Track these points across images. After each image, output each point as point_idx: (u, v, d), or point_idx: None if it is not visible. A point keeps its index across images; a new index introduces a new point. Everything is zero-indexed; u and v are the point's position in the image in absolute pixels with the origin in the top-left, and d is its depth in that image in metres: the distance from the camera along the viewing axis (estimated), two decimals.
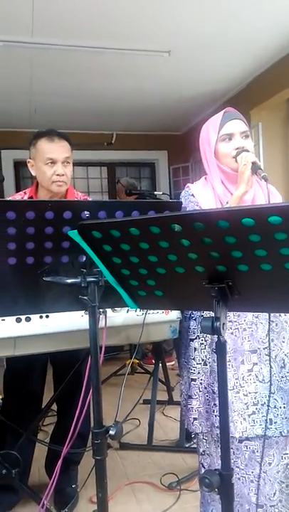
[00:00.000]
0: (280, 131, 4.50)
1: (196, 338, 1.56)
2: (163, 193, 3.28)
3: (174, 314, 1.73)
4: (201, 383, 1.54)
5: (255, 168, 1.46)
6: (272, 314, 1.48)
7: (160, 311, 1.72)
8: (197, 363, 1.55)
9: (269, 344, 1.46)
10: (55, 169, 1.90)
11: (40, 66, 3.63)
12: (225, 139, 1.55)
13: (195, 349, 1.56)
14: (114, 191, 5.83)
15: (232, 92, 4.46)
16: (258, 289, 0.96)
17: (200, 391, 1.55)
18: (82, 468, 2.16)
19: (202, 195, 1.59)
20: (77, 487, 2.13)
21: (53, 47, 3.27)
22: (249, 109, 4.28)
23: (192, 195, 1.61)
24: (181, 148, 5.59)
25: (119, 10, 2.85)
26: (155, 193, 3.24)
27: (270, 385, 1.45)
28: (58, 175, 1.90)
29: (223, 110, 1.61)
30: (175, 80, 4.07)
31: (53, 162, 1.90)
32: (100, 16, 2.92)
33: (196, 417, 1.55)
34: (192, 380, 1.56)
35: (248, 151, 1.52)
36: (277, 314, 1.49)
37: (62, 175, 1.91)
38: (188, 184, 1.68)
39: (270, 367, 1.45)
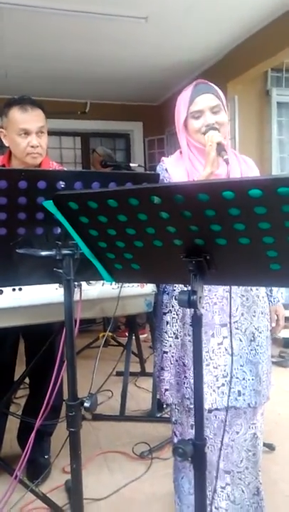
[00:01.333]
0: (256, 105, 4.48)
1: (168, 312, 1.57)
2: (138, 165, 3.24)
3: (149, 288, 1.74)
4: (172, 356, 1.56)
5: (219, 149, 1.43)
6: (243, 288, 1.50)
7: (135, 285, 1.71)
8: (169, 336, 1.57)
9: (239, 318, 1.48)
10: (29, 140, 1.82)
11: (12, 27, 3.46)
12: (194, 116, 1.52)
13: (167, 323, 1.57)
14: (88, 162, 5.72)
15: (209, 63, 4.38)
16: (235, 263, 0.96)
17: (171, 363, 1.57)
18: (56, 439, 2.17)
19: (175, 170, 1.57)
20: (50, 458, 2.15)
21: (25, 8, 3.11)
22: (226, 82, 4.23)
23: (166, 169, 1.58)
24: (157, 119, 5.50)
25: None
26: (131, 164, 3.20)
27: (239, 357, 1.48)
28: (32, 146, 1.82)
29: (195, 82, 1.56)
30: (152, 47, 3.96)
31: (27, 133, 1.81)
32: None
33: (168, 388, 1.58)
34: (164, 352, 1.58)
35: (216, 128, 1.48)
36: (249, 288, 1.51)
37: (37, 146, 1.83)
38: (163, 158, 1.66)
39: (240, 340, 1.48)
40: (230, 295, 1.46)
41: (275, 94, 4.45)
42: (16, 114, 1.82)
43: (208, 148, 1.45)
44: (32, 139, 1.82)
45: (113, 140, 5.97)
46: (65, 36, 3.65)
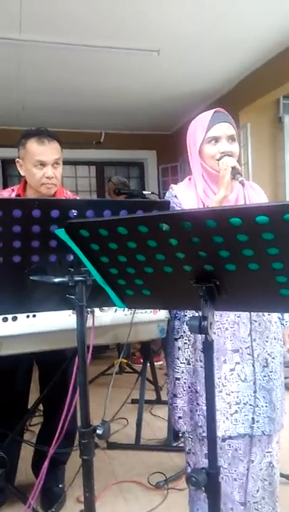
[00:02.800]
0: (269, 133, 4.53)
1: (179, 338, 1.57)
2: (152, 193, 3.28)
3: (162, 314, 1.74)
4: (184, 382, 1.55)
5: (234, 173, 1.47)
6: (254, 314, 1.49)
7: (148, 311, 1.72)
8: (181, 362, 1.56)
9: (251, 343, 1.47)
10: (45, 171, 1.86)
11: (28, 63, 3.60)
12: (211, 141, 1.55)
13: (179, 348, 1.57)
14: (103, 191, 5.82)
15: (221, 92, 4.47)
16: (246, 288, 0.97)
17: (184, 390, 1.56)
18: (70, 467, 2.15)
19: (185, 196, 1.59)
20: (64, 487, 2.12)
21: (41, 44, 3.25)
22: (238, 110, 4.30)
23: (175, 196, 1.61)
24: (170, 147, 5.60)
25: (109, 8, 2.85)
26: (144, 192, 3.24)
27: (254, 384, 1.46)
28: (47, 177, 1.86)
29: (214, 110, 1.60)
30: (164, 79, 4.07)
31: (43, 164, 1.86)
32: (88, 14, 2.91)
33: (181, 415, 1.56)
34: (176, 379, 1.57)
35: (230, 155, 1.52)
36: (261, 314, 1.50)
37: (52, 177, 1.87)
38: (172, 185, 1.69)
39: (253, 366, 1.46)
40: (236, 319, 1.46)
41: (288, 121, 4.50)
42: (33, 145, 1.87)
43: (222, 172, 1.49)
44: (47, 170, 1.86)
45: (127, 168, 6.07)
46: (80, 70, 3.78)
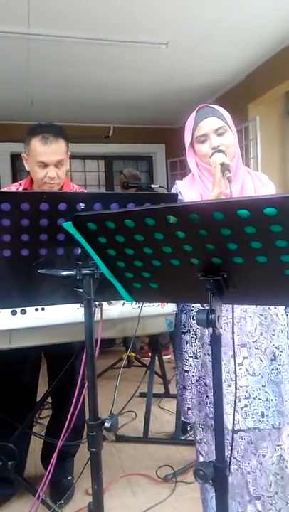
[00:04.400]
0: (278, 126, 4.49)
1: (187, 332, 1.58)
2: (160, 186, 3.27)
3: (170, 307, 1.73)
4: (193, 375, 1.56)
5: (222, 169, 1.44)
6: (261, 308, 1.49)
7: (156, 304, 1.71)
8: (189, 356, 1.57)
9: (258, 338, 1.47)
10: (47, 171, 1.83)
11: (37, 57, 3.60)
12: (200, 140, 1.54)
13: (186, 342, 1.58)
14: (112, 185, 5.82)
15: (230, 85, 4.44)
16: (254, 281, 0.96)
17: (192, 383, 1.56)
18: (78, 460, 2.16)
19: (188, 193, 1.59)
20: (72, 479, 2.14)
21: (49, 38, 3.25)
22: (247, 103, 4.27)
23: (179, 192, 1.61)
24: (179, 141, 5.52)
25: (116, 0, 2.83)
26: (152, 186, 3.23)
27: (262, 378, 1.46)
28: (49, 177, 1.84)
29: (197, 108, 1.58)
30: (173, 72, 4.05)
31: (45, 165, 1.83)
32: (97, 7, 2.90)
33: (190, 407, 1.57)
34: (185, 371, 1.58)
35: (220, 150, 1.49)
36: (267, 308, 1.49)
37: (54, 177, 1.84)
38: (177, 181, 1.69)
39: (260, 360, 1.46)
40: (242, 313, 1.45)
41: None
42: (36, 145, 1.82)
43: (212, 170, 1.48)
44: (50, 171, 1.83)
45: (136, 162, 6.06)
46: (89, 64, 3.77)
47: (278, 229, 0.81)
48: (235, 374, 1.42)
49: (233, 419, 1.28)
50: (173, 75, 4.12)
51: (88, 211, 1.17)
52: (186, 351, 1.57)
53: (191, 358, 1.56)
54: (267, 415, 1.45)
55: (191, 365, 1.56)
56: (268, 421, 1.45)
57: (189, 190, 1.60)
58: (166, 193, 2.65)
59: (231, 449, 1.17)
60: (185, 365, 1.58)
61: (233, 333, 1.38)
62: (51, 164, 1.83)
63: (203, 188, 1.57)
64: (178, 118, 5.49)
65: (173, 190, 1.65)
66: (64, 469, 2.12)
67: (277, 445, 1.51)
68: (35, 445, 2.23)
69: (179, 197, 1.59)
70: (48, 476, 1.58)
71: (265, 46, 3.63)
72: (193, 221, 0.87)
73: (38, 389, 2.17)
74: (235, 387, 1.37)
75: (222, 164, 1.45)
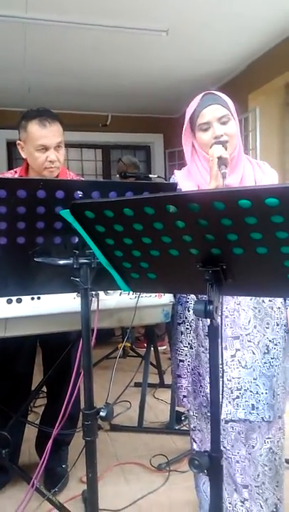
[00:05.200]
0: (278, 117, 4.47)
1: (182, 323, 1.58)
2: (158, 176, 3.25)
3: (167, 298, 1.73)
4: (188, 365, 1.57)
5: (219, 163, 1.40)
6: (255, 301, 1.48)
7: (153, 295, 1.71)
8: (184, 346, 1.57)
9: (252, 330, 1.46)
10: (48, 155, 1.81)
11: (35, 43, 3.55)
12: (202, 128, 1.49)
13: (182, 333, 1.58)
14: (109, 174, 5.78)
15: (230, 75, 4.40)
16: (253, 273, 0.95)
17: (188, 372, 1.57)
18: (73, 448, 2.17)
19: (185, 184, 1.56)
20: (67, 467, 2.15)
21: (47, 23, 3.20)
22: (247, 94, 4.24)
23: (176, 182, 1.58)
24: (178, 131, 5.49)
25: None
26: (150, 175, 3.21)
27: (254, 370, 1.46)
28: (50, 161, 1.82)
29: (203, 93, 1.53)
30: (173, 60, 4.00)
31: (45, 148, 1.81)
32: None
33: (186, 394, 1.58)
34: (180, 360, 1.59)
35: (222, 141, 1.45)
36: (261, 300, 1.48)
37: (55, 161, 1.83)
38: (175, 171, 1.66)
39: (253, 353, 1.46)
40: (236, 306, 1.44)
41: None
42: (34, 129, 1.81)
43: (210, 163, 1.44)
44: (50, 154, 1.81)
45: (134, 152, 6.02)
46: (87, 50, 3.72)
47: (279, 220, 0.80)
48: (223, 369, 1.41)
49: (220, 409, 1.27)
50: (173, 64, 4.08)
51: (86, 199, 1.15)
52: (181, 341, 1.58)
53: (186, 348, 1.57)
54: (257, 408, 1.45)
55: (186, 355, 1.57)
56: (258, 414, 1.45)
57: (186, 181, 1.58)
58: (165, 182, 2.63)
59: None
60: (180, 354, 1.58)
61: (221, 324, 1.35)
62: (51, 147, 1.82)
63: (200, 178, 1.54)
64: (177, 108, 5.44)
65: (171, 180, 1.63)
66: (59, 457, 2.12)
67: (267, 438, 1.51)
68: (30, 433, 2.23)
69: (177, 188, 1.57)
70: (42, 464, 1.59)
71: (266, 36, 3.60)
72: (193, 211, 0.85)
73: (33, 378, 2.17)
74: (222, 380, 1.36)
75: (219, 158, 1.41)
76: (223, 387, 1.35)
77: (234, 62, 4.13)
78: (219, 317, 1.42)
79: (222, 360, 1.43)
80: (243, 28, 3.45)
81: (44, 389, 2.26)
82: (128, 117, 5.56)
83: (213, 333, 1.04)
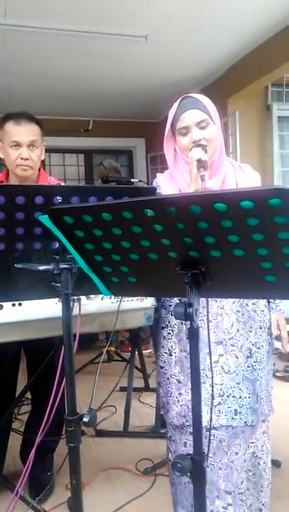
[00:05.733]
0: (257, 120, 4.53)
1: (165, 327, 1.57)
2: (140, 180, 3.26)
3: (149, 301, 1.74)
4: (165, 373, 1.55)
5: (198, 166, 1.41)
6: (238, 304, 1.48)
7: (135, 299, 1.71)
8: (164, 352, 1.56)
9: (235, 335, 1.47)
10: (20, 152, 1.85)
11: (15, 49, 3.54)
12: (182, 133, 1.50)
13: (164, 337, 1.57)
14: (91, 179, 5.77)
15: (210, 79, 4.44)
16: (231, 274, 0.96)
17: (164, 380, 1.56)
18: (59, 455, 2.15)
19: (167, 187, 1.56)
20: (52, 474, 2.13)
21: (27, 29, 3.19)
22: (226, 98, 4.28)
23: (158, 186, 1.59)
24: (159, 136, 5.52)
25: None
26: (132, 180, 3.22)
27: (237, 375, 1.46)
28: (22, 158, 1.85)
29: (180, 98, 1.54)
30: (152, 65, 4.02)
31: (18, 145, 1.85)
32: None
33: (162, 405, 1.58)
34: (160, 367, 1.58)
35: (201, 145, 1.45)
36: (244, 304, 1.49)
37: (27, 159, 1.86)
38: (157, 174, 1.66)
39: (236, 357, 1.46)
40: (219, 310, 1.44)
41: (276, 109, 4.50)
42: (9, 127, 1.87)
43: (190, 166, 1.44)
44: (22, 151, 1.85)
45: (116, 157, 6.03)
46: (67, 56, 3.72)
47: (255, 222, 0.82)
48: (206, 374, 1.42)
49: (211, 418, 1.27)
50: (153, 69, 4.10)
51: (65, 205, 1.15)
52: (162, 347, 1.57)
53: (165, 355, 1.55)
54: (240, 413, 1.44)
55: (164, 362, 1.56)
56: (240, 418, 1.44)
57: (168, 184, 1.58)
58: (145, 186, 2.64)
59: (208, 447, 1.16)
60: (160, 361, 1.58)
61: (208, 329, 1.37)
62: (24, 144, 1.85)
63: (182, 182, 1.54)
64: (158, 112, 5.47)
65: (154, 184, 1.63)
66: (43, 465, 2.10)
67: (251, 442, 1.51)
68: (15, 441, 2.21)
69: (158, 191, 1.57)
70: (26, 471, 1.57)
71: (244, 39, 3.64)
72: (170, 214, 0.86)
73: (18, 385, 2.15)
74: (212, 385, 1.37)
75: (199, 160, 1.41)
76: (201, 394, 1.35)
77: (214, 67, 4.17)
78: (204, 322, 1.43)
79: (206, 366, 1.44)
80: (222, 33, 3.48)
81: (29, 396, 2.24)
82: (110, 122, 5.57)
83: (194, 336, 1.05)
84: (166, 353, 1.55)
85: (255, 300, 1.51)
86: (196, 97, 1.53)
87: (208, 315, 1.38)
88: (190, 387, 1.44)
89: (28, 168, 1.88)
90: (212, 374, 1.40)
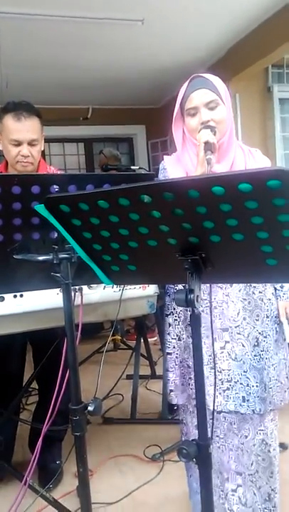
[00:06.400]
0: (258, 102, 4.47)
1: (170, 314, 1.56)
2: (140, 168, 3.22)
3: (152, 289, 1.73)
4: (176, 357, 1.54)
5: (206, 149, 1.36)
6: (244, 292, 1.46)
7: (137, 287, 1.70)
8: (172, 338, 1.55)
9: (241, 323, 1.46)
10: (20, 149, 1.81)
11: (10, 37, 3.49)
12: (190, 113, 1.46)
13: (169, 324, 1.56)
14: (92, 168, 5.74)
15: (209, 62, 4.37)
16: (231, 259, 0.95)
17: (176, 364, 1.55)
18: (67, 443, 2.17)
19: (173, 170, 1.53)
20: (61, 463, 2.15)
21: (20, 16, 3.14)
22: (227, 80, 4.20)
23: (165, 168, 1.56)
24: (160, 122, 5.49)
25: None
26: (132, 167, 3.19)
27: (244, 363, 1.45)
28: (22, 156, 1.82)
29: (190, 77, 1.49)
30: (150, 50, 3.97)
31: (18, 144, 1.81)
32: None
33: (173, 389, 1.56)
34: (168, 353, 1.57)
35: (209, 126, 1.41)
36: (251, 292, 1.47)
37: (28, 156, 1.82)
38: (165, 156, 1.62)
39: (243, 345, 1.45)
40: (224, 297, 1.43)
41: (277, 91, 4.44)
42: (9, 122, 1.81)
43: (197, 148, 1.40)
44: (23, 149, 1.81)
45: (116, 144, 5.98)
46: (63, 43, 3.67)
47: (254, 205, 0.80)
48: (214, 360, 1.42)
49: (214, 401, 1.27)
50: (150, 53, 4.04)
51: (62, 193, 1.14)
52: (168, 333, 1.56)
53: (174, 340, 1.55)
54: (248, 400, 1.44)
55: (174, 347, 1.55)
56: (248, 406, 1.43)
57: (175, 167, 1.54)
58: (143, 172, 2.61)
59: (212, 430, 1.16)
60: (168, 347, 1.57)
61: (211, 316, 1.36)
62: (25, 142, 1.81)
63: (190, 165, 1.50)
64: (158, 97, 5.41)
65: (160, 166, 1.59)
66: (51, 454, 2.12)
67: (260, 429, 1.50)
68: (23, 431, 2.23)
69: (166, 173, 1.54)
70: (34, 461, 1.58)
71: (243, 20, 3.57)
72: (168, 200, 0.85)
73: (26, 376, 2.16)
74: (215, 373, 1.36)
75: (206, 143, 1.37)
76: (215, 379, 1.35)
77: (213, 49, 4.10)
78: (207, 308, 1.42)
79: (212, 352, 1.43)
80: (220, 14, 3.42)
81: (36, 386, 2.25)
82: (109, 109, 5.51)
83: (196, 322, 1.04)
84: (174, 338, 1.54)
85: (262, 288, 1.48)
86: (206, 76, 1.49)
87: (211, 303, 1.38)
88: (207, 370, 1.45)
89: (29, 164, 1.84)
90: (214, 360, 1.40)
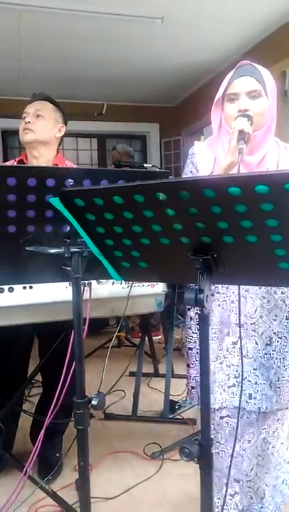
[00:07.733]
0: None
1: (191, 308, 1.52)
2: (153, 166, 3.22)
3: (160, 287, 1.73)
4: (197, 352, 1.52)
5: (239, 137, 1.32)
6: (264, 290, 1.44)
7: (146, 284, 1.71)
8: (193, 332, 1.53)
9: (257, 320, 1.44)
10: (25, 119, 1.96)
11: (29, 30, 3.50)
12: (230, 98, 1.42)
13: (191, 318, 1.53)
14: (104, 164, 5.75)
15: (225, 63, 4.35)
16: (243, 261, 0.95)
17: (196, 360, 1.52)
18: (67, 437, 2.18)
19: (203, 157, 1.48)
20: (61, 455, 2.16)
21: (42, 9, 3.15)
22: None
23: (193, 154, 1.52)
24: (174, 121, 5.50)
25: None
26: (145, 165, 3.18)
27: (255, 361, 1.44)
28: (25, 122, 1.94)
29: (239, 64, 1.44)
30: (168, 48, 3.96)
31: (27, 115, 1.96)
32: None
33: (194, 385, 1.54)
34: (189, 349, 1.54)
35: (247, 115, 1.36)
36: (272, 291, 1.44)
37: (29, 122, 1.94)
38: (195, 142, 1.58)
39: (256, 343, 1.44)
40: (244, 293, 1.42)
41: None
42: (27, 104, 2.02)
43: (230, 135, 1.35)
44: (27, 117, 1.96)
45: (129, 141, 5.98)
46: (82, 38, 3.68)
47: (269, 207, 0.79)
48: (224, 355, 1.41)
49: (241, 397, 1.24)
50: (168, 51, 4.04)
51: (77, 187, 1.14)
52: (190, 327, 1.54)
53: (195, 335, 1.52)
54: (255, 398, 1.43)
55: (195, 342, 1.52)
56: (254, 403, 1.43)
57: (205, 153, 1.50)
58: (158, 170, 2.61)
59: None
60: (189, 342, 1.54)
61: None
62: (30, 113, 1.97)
63: (220, 152, 1.46)
64: (173, 96, 5.41)
65: (190, 151, 1.56)
66: (53, 446, 2.13)
67: (263, 428, 1.49)
68: (25, 423, 2.24)
69: (194, 160, 1.52)
70: (35, 452, 1.59)
71: (262, 24, 3.56)
72: (183, 198, 0.85)
73: (30, 368, 2.17)
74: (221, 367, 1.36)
75: (240, 131, 1.33)
76: (217, 375, 1.34)
77: (229, 50, 4.08)
78: (227, 303, 1.39)
79: (224, 346, 1.42)
80: (239, 16, 3.41)
81: (39, 378, 2.26)
82: (124, 106, 5.51)
83: (204, 322, 1.04)
84: (195, 333, 1.52)
85: (286, 289, 1.45)
86: (255, 65, 1.44)
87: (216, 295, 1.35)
88: (215, 366, 1.44)
89: (29, 131, 1.95)
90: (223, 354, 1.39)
